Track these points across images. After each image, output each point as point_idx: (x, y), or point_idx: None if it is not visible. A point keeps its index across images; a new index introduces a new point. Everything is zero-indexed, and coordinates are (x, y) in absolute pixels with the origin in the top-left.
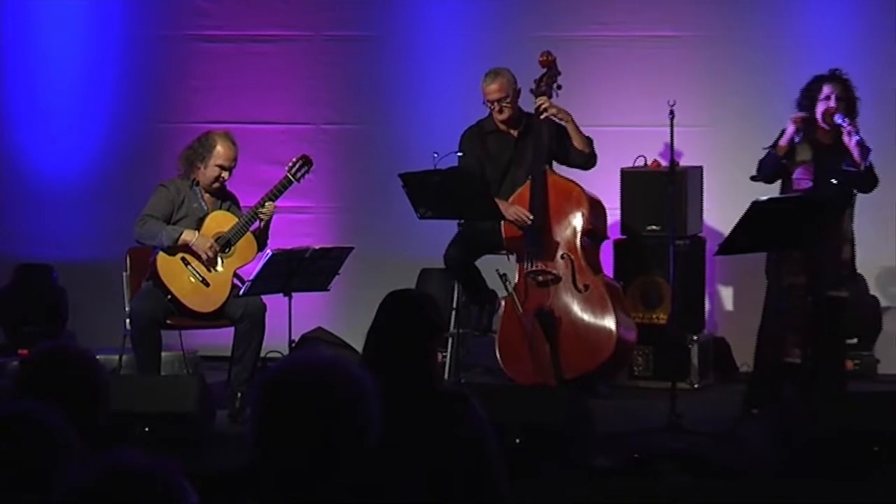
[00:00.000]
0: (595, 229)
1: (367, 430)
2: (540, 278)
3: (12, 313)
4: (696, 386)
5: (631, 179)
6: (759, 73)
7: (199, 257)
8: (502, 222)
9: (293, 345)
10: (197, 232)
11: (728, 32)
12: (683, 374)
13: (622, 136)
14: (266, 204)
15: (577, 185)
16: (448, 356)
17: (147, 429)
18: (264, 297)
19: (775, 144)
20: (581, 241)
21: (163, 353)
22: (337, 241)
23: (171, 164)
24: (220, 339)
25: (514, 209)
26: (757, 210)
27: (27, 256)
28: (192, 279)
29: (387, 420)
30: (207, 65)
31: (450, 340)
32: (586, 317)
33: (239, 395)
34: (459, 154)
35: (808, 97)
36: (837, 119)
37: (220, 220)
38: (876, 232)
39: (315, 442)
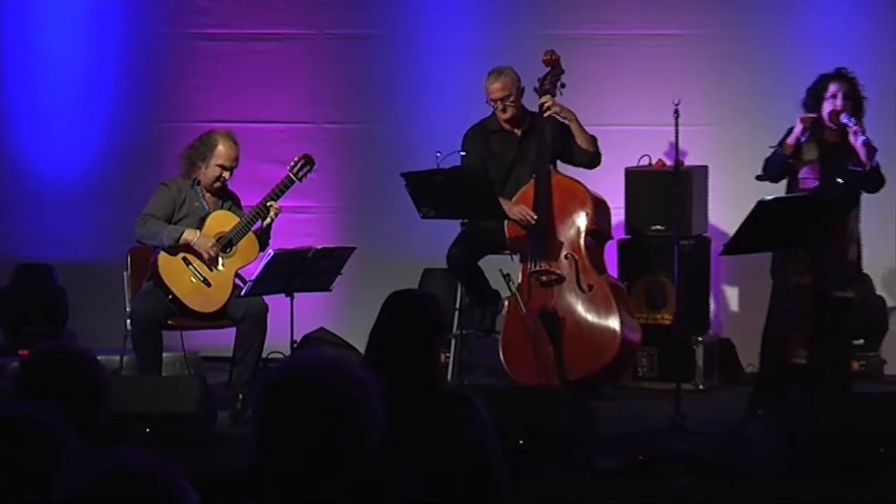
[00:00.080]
0: (599, 229)
1: (368, 430)
2: (544, 278)
3: (12, 313)
4: (700, 387)
5: (635, 179)
6: (764, 72)
7: (200, 257)
8: (506, 222)
9: (295, 345)
10: (198, 231)
11: (732, 31)
12: (688, 375)
13: (626, 136)
14: (269, 204)
15: (581, 184)
16: (451, 357)
17: (148, 430)
18: (266, 298)
19: (781, 143)
20: (585, 241)
21: (164, 354)
22: (339, 240)
23: (172, 163)
24: (222, 340)
25: (518, 208)
26: (762, 210)
27: (27, 256)
28: (194, 279)
29: (389, 420)
30: (208, 63)
31: (453, 341)
32: (590, 317)
33: (240, 396)
34: (462, 153)
35: (814, 96)
36: (843, 119)
37: (222, 220)
38: (882, 232)
39: (316, 442)
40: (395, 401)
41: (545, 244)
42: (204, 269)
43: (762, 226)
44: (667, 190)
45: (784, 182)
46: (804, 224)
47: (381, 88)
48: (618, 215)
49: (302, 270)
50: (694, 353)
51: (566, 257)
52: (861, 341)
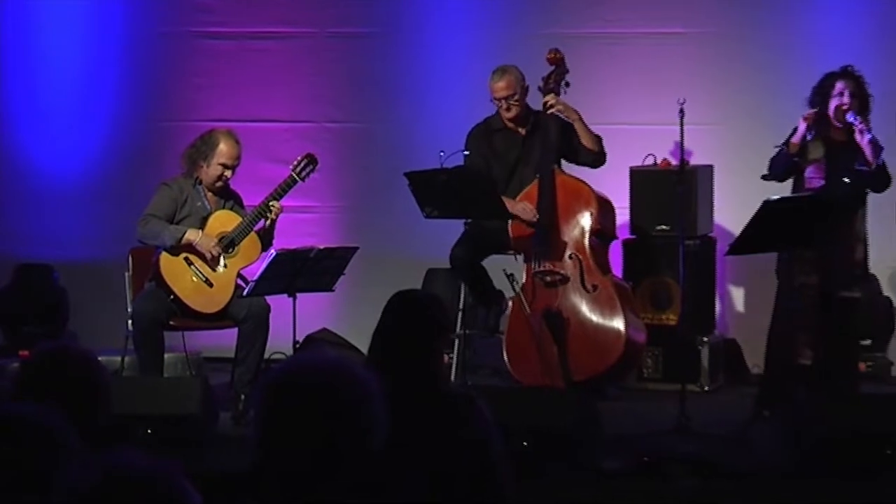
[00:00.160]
0: (604, 229)
1: (370, 431)
2: (548, 278)
3: (12, 314)
4: (706, 388)
5: (640, 178)
6: (770, 71)
7: (202, 257)
8: (510, 222)
9: (298, 346)
10: (200, 231)
11: (737, 29)
12: (693, 376)
13: (631, 135)
14: (272, 203)
15: (585, 184)
16: (454, 357)
17: (149, 431)
18: (268, 298)
19: (787, 142)
20: (589, 241)
21: (165, 355)
22: (342, 240)
23: (174, 162)
24: (224, 341)
25: (521, 205)
26: (768, 209)
27: (27, 256)
28: (196, 279)
29: (392, 421)
30: (210, 62)
31: (456, 341)
32: (595, 318)
33: (242, 396)
34: (466, 152)
35: (820, 94)
36: (849, 117)
37: (224, 220)
38: (889, 232)
39: (318, 443)
40: (398, 401)
41: (549, 244)
42: (206, 269)
43: (768, 226)
44: (672, 189)
45: (790, 181)
46: (810, 224)
47: (383, 87)
48: (622, 215)
49: (304, 270)
50: (699, 353)
51: (570, 257)
52: (868, 342)
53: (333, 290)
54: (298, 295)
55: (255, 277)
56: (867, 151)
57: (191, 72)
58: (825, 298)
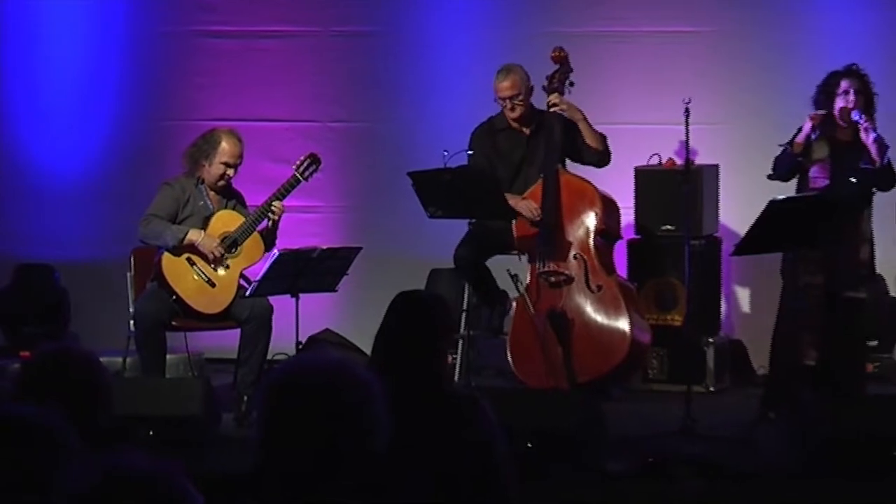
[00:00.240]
0: (608, 229)
1: (372, 432)
2: (552, 279)
3: (13, 314)
4: (711, 389)
5: (645, 178)
6: (776, 70)
7: (204, 257)
8: (514, 221)
9: (300, 347)
10: (203, 231)
11: (743, 28)
12: (699, 377)
13: (636, 134)
14: (274, 203)
15: (590, 183)
16: (458, 358)
17: (151, 432)
18: (271, 298)
19: (791, 142)
20: (594, 241)
21: (168, 356)
22: (345, 240)
23: (176, 162)
24: (226, 341)
25: (527, 204)
26: (774, 210)
27: (28, 256)
28: (198, 279)
29: (395, 422)
30: (212, 61)
31: (460, 342)
32: (599, 318)
33: (245, 398)
34: (470, 152)
35: (825, 93)
36: (854, 116)
37: (227, 220)
38: (894, 231)
39: (320, 444)
40: (401, 402)
41: (553, 244)
42: (208, 269)
43: (774, 226)
44: (677, 189)
45: (794, 181)
46: (816, 224)
47: (386, 86)
48: (627, 215)
49: (307, 271)
50: (705, 354)
51: (575, 257)
52: (874, 343)
53: (336, 291)
54: (301, 295)
55: (257, 278)
56: (873, 150)
57: (193, 71)
58: (830, 298)
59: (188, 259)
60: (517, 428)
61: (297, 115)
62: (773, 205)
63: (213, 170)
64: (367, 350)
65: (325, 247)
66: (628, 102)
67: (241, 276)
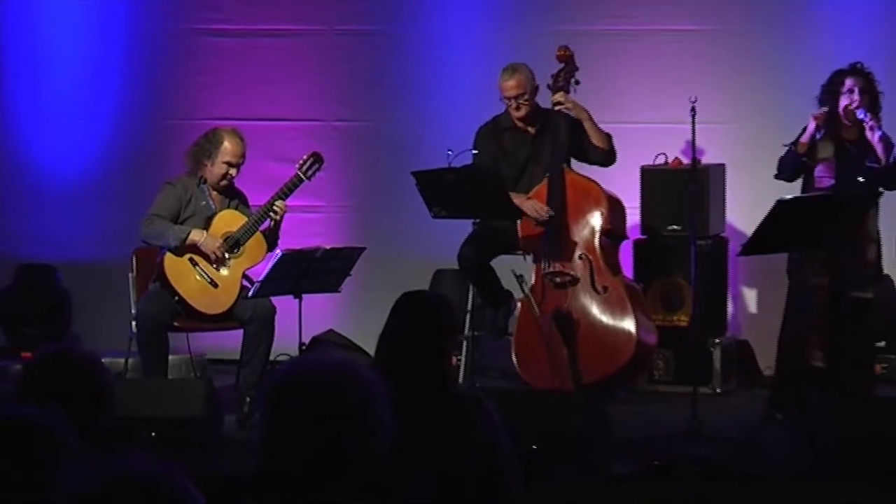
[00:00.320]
0: (614, 229)
1: (376, 433)
2: (557, 279)
3: (14, 315)
4: (718, 391)
5: (651, 178)
6: (783, 68)
7: (207, 258)
8: (518, 221)
9: (303, 347)
10: (205, 231)
11: (749, 26)
12: (705, 378)
13: (642, 133)
14: (277, 203)
15: (595, 183)
16: (463, 359)
17: (153, 433)
18: (274, 299)
19: (795, 141)
20: (600, 241)
21: (170, 357)
22: (348, 240)
23: (178, 161)
24: (229, 342)
25: (532, 203)
26: (781, 209)
27: (30, 256)
28: (200, 280)
29: (400, 423)
30: (214, 60)
31: (464, 343)
32: (605, 319)
33: (247, 399)
34: (474, 152)
35: (829, 92)
36: (860, 114)
37: (229, 220)
38: None
39: (323, 445)
40: (406, 403)
41: (559, 244)
42: (210, 269)
43: (781, 225)
44: (683, 189)
45: (799, 181)
46: (823, 223)
47: (390, 85)
48: (633, 215)
49: (310, 271)
50: (711, 355)
51: (580, 258)
52: (882, 343)
53: (340, 291)
54: (304, 296)
55: (260, 278)
56: (878, 149)
57: (195, 70)
58: (836, 298)
59: (190, 259)
60: (522, 429)
61: (300, 115)
62: (781, 204)
63: (215, 169)
64: (371, 351)
65: (328, 247)
66: (634, 101)
67: (244, 276)
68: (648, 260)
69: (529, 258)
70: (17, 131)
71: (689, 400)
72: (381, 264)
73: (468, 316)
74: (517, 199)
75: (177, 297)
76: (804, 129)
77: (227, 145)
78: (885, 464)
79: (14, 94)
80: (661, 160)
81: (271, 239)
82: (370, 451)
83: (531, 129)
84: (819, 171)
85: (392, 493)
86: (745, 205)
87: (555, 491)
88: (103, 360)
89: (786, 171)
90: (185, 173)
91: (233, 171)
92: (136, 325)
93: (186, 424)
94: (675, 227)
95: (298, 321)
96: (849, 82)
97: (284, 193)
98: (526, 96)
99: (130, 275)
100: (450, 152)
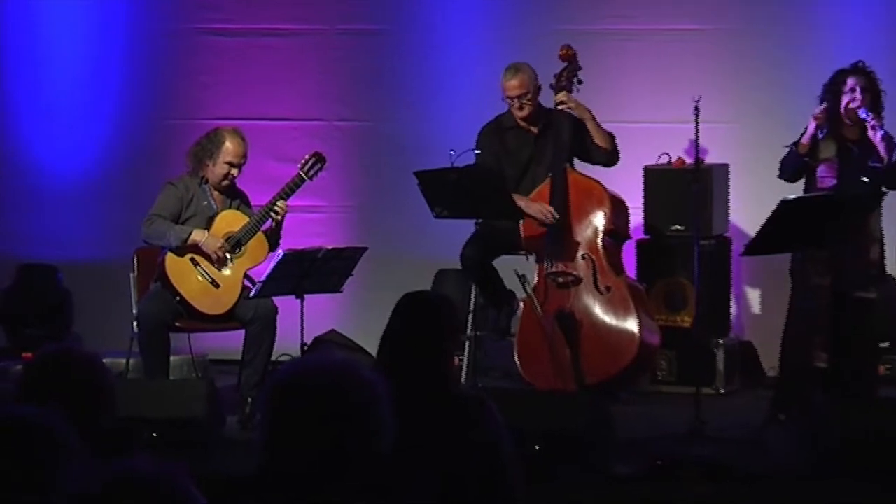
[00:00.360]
0: (617, 229)
1: (378, 433)
2: (560, 279)
3: (15, 315)
4: (721, 391)
5: (654, 177)
6: (786, 67)
7: (208, 258)
8: (521, 221)
9: (305, 348)
10: (206, 231)
11: (753, 25)
12: (708, 379)
13: (645, 133)
14: (278, 203)
15: (598, 183)
16: (465, 359)
17: (155, 434)
18: (276, 299)
19: (797, 142)
20: (603, 241)
21: (171, 357)
22: (350, 241)
23: (179, 161)
24: (230, 342)
25: (538, 206)
26: (785, 209)
27: (31, 256)
28: (202, 280)
29: (402, 423)
30: (216, 59)
31: (467, 343)
32: (608, 319)
33: (249, 400)
34: (477, 151)
35: (831, 91)
36: (861, 114)
37: (231, 220)
38: None
39: (325, 445)
40: (408, 403)
41: (561, 244)
42: (212, 270)
43: (785, 225)
44: (686, 189)
45: (802, 181)
46: (829, 223)
47: (392, 85)
48: (636, 215)
49: (312, 271)
50: (714, 356)
51: (583, 258)
52: (886, 344)
53: (342, 292)
54: (306, 296)
55: (262, 278)
56: (881, 148)
57: (196, 69)
58: (838, 299)
59: (192, 259)
60: (525, 429)
61: (302, 114)
62: (785, 205)
63: (217, 169)
64: (374, 351)
65: (330, 247)
66: (637, 101)
67: (246, 276)
68: (651, 260)
69: (532, 258)
70: (17, 131)
71: (692, 400)
72: (383, 264)
73: (470, 316)
74: (522, 202)
75: (178, 298)
76: (805, 130)
77: (229, 145)
78: (887, 464)
79: (15, 93)
80: (664, 160)
81: (273, 239)
82: (372, 452)
83: (534, 129)
84: (821, 171)
85: (394, 493)
86: (749, 205)
87: (557, 492)
88: (104, 361)
89: (787, 171)
90: (187, 173)
91: (234, 171)
92: (138, 326)
93: (188, 425)
94: (678, 227)
95: (300, 321)
96: (850, 81)
97: (286, 193)
98: (529, 96)
99: (132, 275)
100: (452, 152)
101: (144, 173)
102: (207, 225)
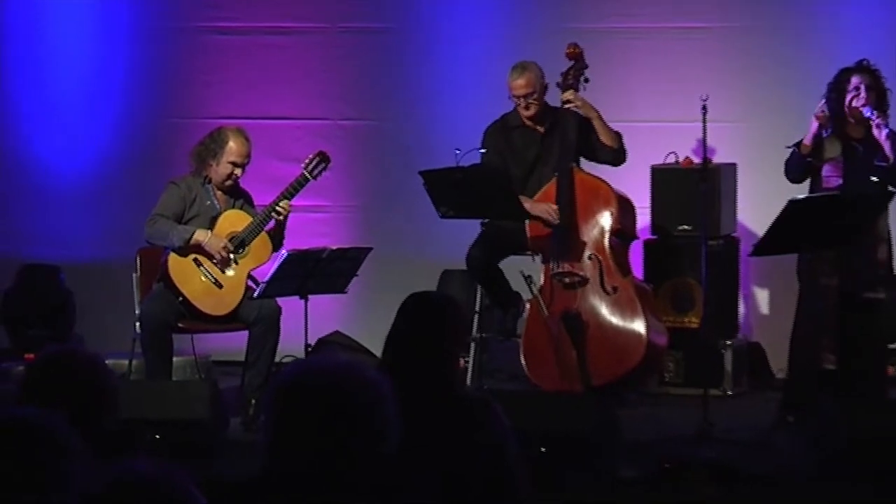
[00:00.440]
0: (624, 229)
1: (383, 434)
2: (566, 280)
3: (17, 315)
4: (729, 393)
5: (662, 177)
6: (794, 66)
7: (211, 258)
8: (527, 221)
9: (309, 349)
10: (210, 231)
11: (760, 22)
12: (716, 380)
13: (652, 132)
14: (281, 203)
15: (605, 182)
16: (470, 361)
17: (157, 436)
18: (280, 300)
19: (798, 143)
20: (609, 242)
21: (174, 358)
22: (355, 241)
23: (182, 161)
24: (234, 343)
25: (545, 206)
26: (794, 209)
27: (33, 257)
28: (205, 281)
29: (406, 424)
30: (219, 58)
31: (472, 344)
32: (615, 320)
33: (253, 401)
34: (482, 150)
35: (836, 90)
36: (866, 112)
37: (234, 220)
38: None
39: (329, 446)
40: (412, 405)
41: (568, 245)
42: (215, 270)
43: (794, 226)
44: (694, 188)
45: (808, 181)
46: (837, 224)
47: (397, 84)
48: (644, 215)
49: (316, 272)
50: (722, 357)
51: (590, 258)
52: (895, 345)
53: (346, 292)
54: (310, 297)
55: (266, 279)
56: (886, 147)
57: (199, 68)
58: (846, 299)
59: (195, 260)
60: (530, 432)
61: (306, 113)
62: (793, 204)
63: (220, 169)
64: (378, 352)
65: (334, 247)
66: (644, 100)
67: (249, 276)
68: (659, 260)
69: (538, 259)
70: (20, 130)
71: (699, 402)
72: (387, 265)
73: (476, 317)
74: (528, 204)
75: (181, 298)
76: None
77: (233, 145)
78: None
79: (18, 93)
80: (671, 159)
81: (276, 239)
82: (377, 453)
83: (540, 128)
84: (826, 170)
85: (399, 494)
86: (757, 204)
87: (563, 494)
88: (107, 362)
89: (793, 173)
90: (190, 173)
91: (238, 171)
92: (140, 326)
93: (191, 427)
94: (685, 227)
95: (304, 322)
96: (855, 80)
97: (290, 193)
98: (535, 95)
99: (134, 275)
100: (458, 151)
101: (147, 173)
102: (210, 225)
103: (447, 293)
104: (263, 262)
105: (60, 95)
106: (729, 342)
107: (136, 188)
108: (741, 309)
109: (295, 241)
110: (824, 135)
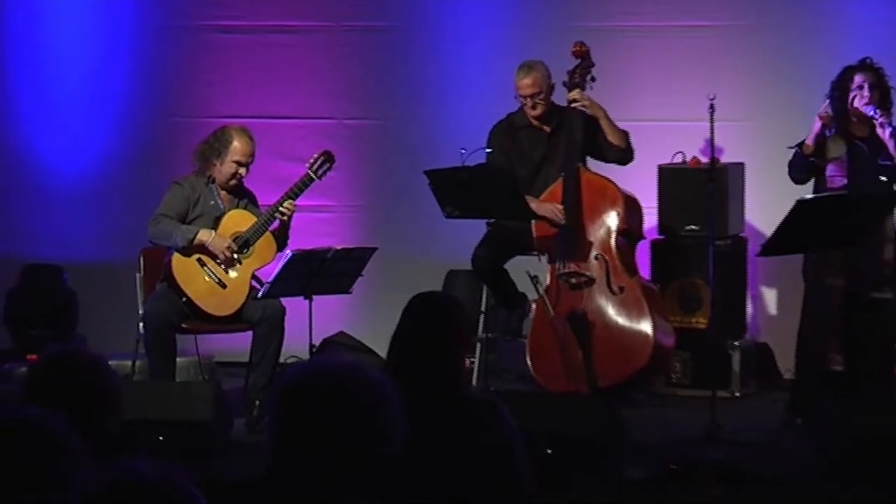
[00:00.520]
0: (631, 229)
1: (387, 435)
2: (573, 280)
3: (19, 316)
4: (737, 394)
5: (669, 176)
6: (803, 65)
7: (215, 258)
8: (533, 221)
9: (314, 350)
10: (213, 231)
11: (766, 20)
12: (724, 381)
13: (660, 131)
14: (285, 203)
15: (611, 182)
16: (476, 362)
17: (161, 437)
18: (284, 300)
19: (801, 143)
20: (616, 241)
21: (178, 359)
22: (359, 241)
23: (186, 160)
24: (238, 344)
25: (551, 207)
26: (802, 209)
27: (35, 256)
28: (209, 281)
29: (411, 424)
30: (223, 57)
31: (478, 345)
32: (621, 321)
33: (257, 402)
34: (488, 150)
35: (839, 88)
36: (869, 111)
37: (238, 220)
38: None
39: (334, 447)
40: (417, 405)
41: (574, 244)
42: (219, 270)
43: (802, 226)
44: (702, 188)
45: (813, 181)
46: (846, 224)
47: (402, 83)
48: (651, 215)
49: (321, 272)
50: (730, 358)
51: (596, 258)
52: None
53: (351, 293)
54: (315, 297)
55: (270, 279)
56: (890, 145)
57: (203, 67)
58: (851, 299)
59: (199, 260)
60: (536, 433)
61: (311, 112)
62: (801, 204)
63: (224, 169)
64: (383, 353)
65: (339, 247)
66: (651, 98)
67: (253, 277)
68: (666, 260)
69: (544, 259)
70: (22, 130)
71: (707, 403)
72: (392, 265)
73: (482, 317)
74: (534, 204)
75: (185, 298)
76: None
77: (237, 144)
78: None
79: (19, 92)
80: (678, 158)
81: (280, 239)
82: (381, 453)
83: (546, 128)
84: (830, 170)
85: (403, 495)
86: (765, 204)
87: (569, 495)
88: (110, 363)
89: (796, 173)
90: (193, 172)
91: (242, 171)
92: (144, 327)
93: (194, 428)
94: (693, 226)
95: (308, 323)
96: (858, 78)
97: (295, 193)
98: (542, 95)
99: (137, 275)
100: (463, 151)
101: (150, 172)
102: (214, 225)
103: (452, 293)
104: (267, 262)
105: (62, 95)
106: (737, 343)
107: (139, 188)
108: (749, 309)
109: (299, 240)
110: (828, 134)
